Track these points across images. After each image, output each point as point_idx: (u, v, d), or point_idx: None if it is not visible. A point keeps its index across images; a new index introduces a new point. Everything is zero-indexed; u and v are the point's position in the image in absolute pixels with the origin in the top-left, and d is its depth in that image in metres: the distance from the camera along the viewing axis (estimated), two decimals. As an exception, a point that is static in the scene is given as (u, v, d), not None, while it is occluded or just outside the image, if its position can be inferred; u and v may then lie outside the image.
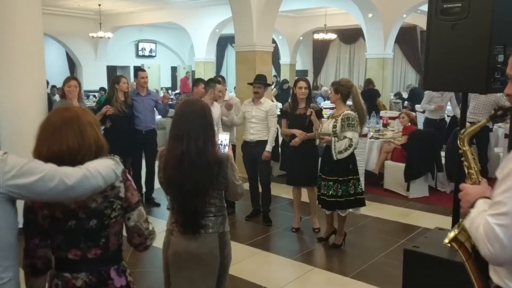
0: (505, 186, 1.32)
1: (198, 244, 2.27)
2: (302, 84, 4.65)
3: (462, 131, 1.70)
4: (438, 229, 3.02)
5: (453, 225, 2.73)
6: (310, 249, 4.58)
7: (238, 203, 5.65)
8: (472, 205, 1.47)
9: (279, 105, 11.65)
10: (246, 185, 5.46)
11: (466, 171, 1.65)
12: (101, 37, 14.30)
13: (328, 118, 4.47)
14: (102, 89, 13.44)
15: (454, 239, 1.55)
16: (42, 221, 1.68)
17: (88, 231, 1.70)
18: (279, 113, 5.47)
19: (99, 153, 1.69)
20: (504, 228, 1.28)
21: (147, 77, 5.68)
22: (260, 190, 5.31)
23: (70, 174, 1.50)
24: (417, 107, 10.32)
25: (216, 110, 4.87)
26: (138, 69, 5.85)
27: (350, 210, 4.33)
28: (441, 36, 2.53)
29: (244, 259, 4.29)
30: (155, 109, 5.85)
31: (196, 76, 12.77)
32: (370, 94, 10.34)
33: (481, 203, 1.45)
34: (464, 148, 1.69)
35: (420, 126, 8.00)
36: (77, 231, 1.69)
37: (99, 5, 13.05)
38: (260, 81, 5.09)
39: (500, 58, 2.46)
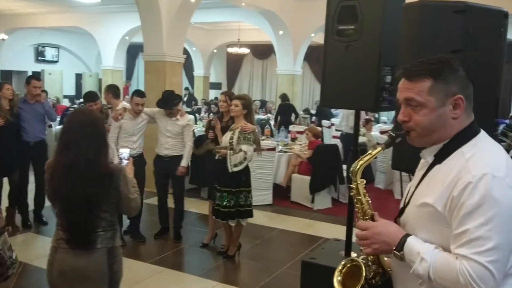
0: (482, 218, 1.21)
1: (85, 261, 2.17)
2: (220, 97, 4.76)
3: (354, 164, 1.52)
4: (335, 240, 3.14)
5: (347, 235, 2.85)
6: (216, 264, 4.52)
7: (146, 220, 5.44)
8: (401, 247, 1.33)
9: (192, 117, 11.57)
10: (154, 200, 5.29)
11: (359, 206, 1.49)
12: (-5, 39, 13.13)
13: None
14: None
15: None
16: None
17: None
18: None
19: None
20: (496, 263, 1.20)
21: (40, 87, 5.24)
22: (173, 205, 5.14)
23: None
24: (324, 122, 10.87)
25: (139, 120, 4.88)
26: (32, 77, 5.38)
27: (240, 220, 4.42)
28: (336, 56, 2.66)
29: (146, 279, 4.11)
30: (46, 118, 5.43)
31: (103, 85, 12.23)
32: (287, 108, 10.74)
33: (416, 241, 1.32)
34: (357, 182, 1.50)
35: (331, 140, 8.40)
36: None
37: (-6, 3, 12.02)
38: (171, 104, 4.86)
39: (388, 78, 2.63)
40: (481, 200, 1.21)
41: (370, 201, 1.50)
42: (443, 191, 1.29)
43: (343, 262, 1.48)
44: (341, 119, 8.36)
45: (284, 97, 11.05)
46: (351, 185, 1.52)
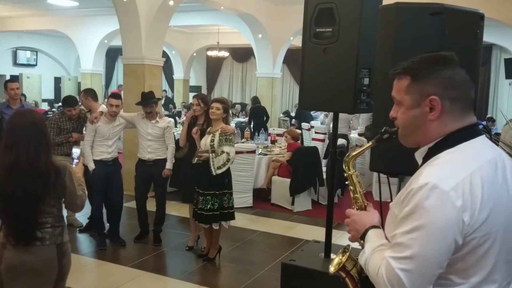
0: (409, 226, 1.19)
1: (35, 257, 2.28)
2: (193, 101, 4.73)
3: (347, 154, 1.56)
4: (314, 242, 3.15)
5: (326, 237, 2.87)
6: (197, 267, 4.49)
7: (126, 224, 5.37)
8: (362, 236, 1.38)
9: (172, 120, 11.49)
10: (134, 203, 5.22)
11: (352, 195, 1.52)
12: (-30, 42, 12.81)
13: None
14: (-31, 99, 11.99)
15: (342, 267, 1.43)
16: None
17: None
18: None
19: None
20: (408, 273, 1.18)
21: (18, 88, 5.15)
22: (154, 209, 5.08)
23: None
24: (304, 125, 10.92)
25: (116, 124, 4.82)
26: (7, 81, 5.30)
27: (223, 223, 4.41)
28: (314, 58, 2.68)
29: (126, 282, 4.06)
30: None
31: (82, 88, 12.06)
32: (259, 111, 10.73)
33: (373, 235, 1.35)
34: (349, 172, 1.54)
35: (311, 142, 8.41)
36: None
37: (-31, 6, 11.73)
38: (150, 101, 4.84)
39: (366, 81, 2.67)
40: (413, 208, 1.19)
41: (362, 192, 1.52)
42: (399, 195, 1.29)
43: (341, 251, 1.49)
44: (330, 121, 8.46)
45: (255, 100, 11.06)
46: (345, 174, 1.54)
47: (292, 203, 6.45)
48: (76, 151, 2.77)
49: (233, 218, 4.47)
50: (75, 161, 2.67)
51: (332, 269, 1.45)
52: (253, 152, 6.63)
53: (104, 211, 5.04)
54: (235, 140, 4.54)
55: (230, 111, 5.35)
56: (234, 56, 17.70)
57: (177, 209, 6.26)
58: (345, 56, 2.58)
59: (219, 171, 4.18)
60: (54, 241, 2.33)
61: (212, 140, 4.24)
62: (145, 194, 5.06)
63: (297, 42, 12.82)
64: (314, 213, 6.39)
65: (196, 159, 4.37)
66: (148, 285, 4.10)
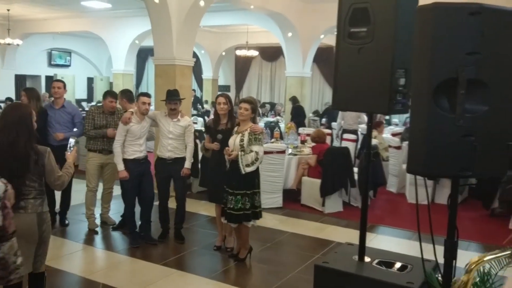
0: None
1: (18, 223, 2.64)
2: (220, 100, 4.69)
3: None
4: (348, 244, 3.11)
5: (361, 239, 2.82)
6: (227, 267, 4.51)
7: (152, 222, 5.44)
8: None
9: (200, 119, 11.60)
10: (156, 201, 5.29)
11: None
12: (9, 44, 13.28)
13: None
14: (8, 99, 12.44)
15: None
16: None
17: None
18: (200, 128, 5.41)
19: None
20: None
21: (59, 87, 5.32)
22: (175, 207, 5.13)
23: None
24: (333, 124, 10.81)
25: (145, 123, 4.90)
26: (53, 81, 5.57)
27: (253, 221, 4.44)
28: (348, 58, 2.64)
29: (158, 280, 4.12)
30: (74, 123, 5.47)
31: (114, 88, 12.35)
32: (300, 111, 10.78)
33: None
34: None
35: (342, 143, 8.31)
36: None
37: (8, 10, 12.17)
38: (175, 98, 4.92)
39: (402, 81, 2.60)
40: None
41: None
42: None
43: None
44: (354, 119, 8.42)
45: (295, 99, 11.06)
46: None
47: (323, 204, 6.39)
48: (71, 141, 3.24)
49: (261, 216, 4.51)
50: (71, 150, 3.17)
51: None
52: (283, 152, 6.61)
53: (137, 209, 5.12)
54: (264, 140, 4.56)
55: (260, 110, 5.37)
56: (263, 55, 17.70)
57: (207, 209, 6.31)
58: (380, 56, 2.53)
59: (248, 169, 4.20)
60: (35, 210, 2.81)
61: (242, 140, 4.25)
62: (166, 192, 5.11)
63: (327, 40, 12.70)
64: (345, 214, 6.31)
65: (229, 157, 4.29)
66: (180, 284, 4.15)
